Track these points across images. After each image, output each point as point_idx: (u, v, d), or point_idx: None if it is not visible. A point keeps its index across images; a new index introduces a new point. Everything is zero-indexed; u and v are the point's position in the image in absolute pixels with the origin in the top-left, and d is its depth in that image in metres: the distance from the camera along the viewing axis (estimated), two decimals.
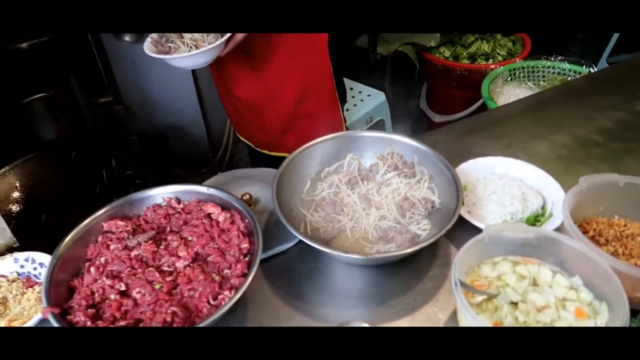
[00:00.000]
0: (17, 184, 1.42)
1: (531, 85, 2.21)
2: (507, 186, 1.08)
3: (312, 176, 1.14)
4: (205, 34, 1.18)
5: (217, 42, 1.11)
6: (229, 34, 1.15)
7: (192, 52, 1.11)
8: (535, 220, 1.04)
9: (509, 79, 2.23)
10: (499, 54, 2.54)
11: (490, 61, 2.49)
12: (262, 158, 1.70)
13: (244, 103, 1.55)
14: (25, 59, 1.76)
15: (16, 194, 1.41)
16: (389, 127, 2.30)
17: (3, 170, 1.40)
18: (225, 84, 1.57)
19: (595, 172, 1.07)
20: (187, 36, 1.18)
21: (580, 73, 2.18)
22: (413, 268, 1.00)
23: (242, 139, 1.78)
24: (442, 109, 2.56)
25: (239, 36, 1.18)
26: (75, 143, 1.65)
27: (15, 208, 1.40)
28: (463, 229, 1.01)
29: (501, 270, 0.91)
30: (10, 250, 1.02)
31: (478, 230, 0.97)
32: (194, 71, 2.29)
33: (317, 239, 1.03)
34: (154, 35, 1.21)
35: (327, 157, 1.16)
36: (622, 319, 0.75)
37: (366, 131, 1.17)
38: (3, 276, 0.97)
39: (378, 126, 2.24)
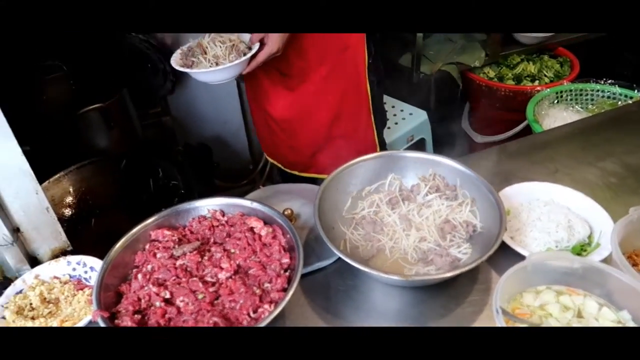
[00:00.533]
0: (71, 189, 1.50)
1: (579, 108, 2.16)
2: (553, 213, 1.06)
3: (354, 194, 1.15)
4: (227, 52, 1.23)
5: (238, 61, 1.17)
6: (251, 53, 1.21)
7: (212, 68, 1.18)
8: (581, 249, 1.02)
9: (556, 101, 2.18)
10: (545, 75, 2.49)
11: (536, 83, 2.44)
12: (292, 179, 1.72)
13: (277, 122, 1.58)
14: (84, 72, 1.87)
15: (69, 199, 1.49)
16: (430, 146, 2.29)
17: (58, 175, 1.48)
18: (260, 102, 1.60)
19: None
20: (210, 52, 1.23)
21: (632, 97, 2.11)
22: (452, 292, 0.99)
23: (271, 160, 1.80)
24: (484, 130, 2.53)
25: (261, 56, 1.23)
26: (126, 152, 1.73)
27: (67, 212, 1.47)
28: (505, 255, 1.00)
29: (544, 300, 0.89)
30: (63, 253, 1.07)
31: (521, 257, 0.96)
32: (238, 85, 2.35)
33: (356, 257, 1.04)
34: (183, 47, 1.27)
35: (369, 176, 1.16)
36: None
37: (409, 152, 1.18)
38: (57, 278, 1.02)
39: (419, 145, 2.24)
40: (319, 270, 1.06)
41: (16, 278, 1.00)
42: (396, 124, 2.19)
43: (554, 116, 2.08)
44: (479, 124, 2.58)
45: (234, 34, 1.28)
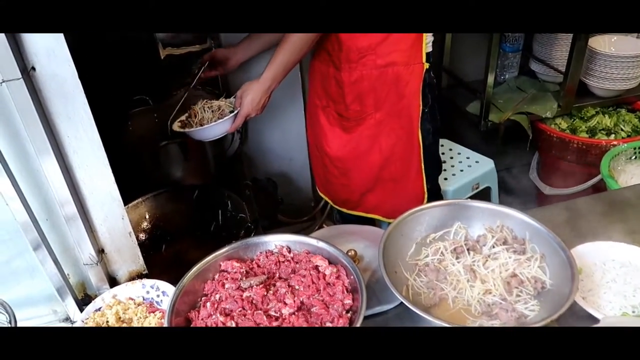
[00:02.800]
0: (147, 215, 1.59)
1: None
2: (630, 276, 1.01)
3: (418, 240, 1.15)
4: (213, 115, 1.50)
5: (214, 123, 1.41)
6: (229, 116, 1.44)
7: (195, 128, 1.44)
8: None
9: (634, 157, 2.09)
10: (622, 129, 2.40)
11: (612, 137, 2.35)
12: (348, 216, 1.81)
13: (333, 160, 1.67)
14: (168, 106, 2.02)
15: (145, 224, 1.58)
16: (496, 195, 2.24)
17: (137, 201, 1.59)
18: (318, 140, 1.71)
19: None
20: (199, 116, 1.50)
21: None
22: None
23: (323, 195, 1.90)
24: (554, 182, 2.45)
25: (239, 119, 1.46)
26: (199, 183, 1.83)
27: (142, 237, 1.56)
28: (576, 316, 0.96)
29: None
30: (139, 276, 1.14)
31: (593, 320, 0.92)
32: (306, 121, 2.44)
33: (418, 304, 1.03)
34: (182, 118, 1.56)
35: (434, 223, 1.17)
36: None
37: (476, 201, 1.17)
38: (131, 299, 1.08)
39: (484, 194, 2.20)
40: (379, 314, 1.07)
41: (96, 296, 1.08)
42: (462, 171, 2.17)
43: (632, 172, 1.99)
44: (548, 175, 2.50)
45: (221, 100, 1.55)
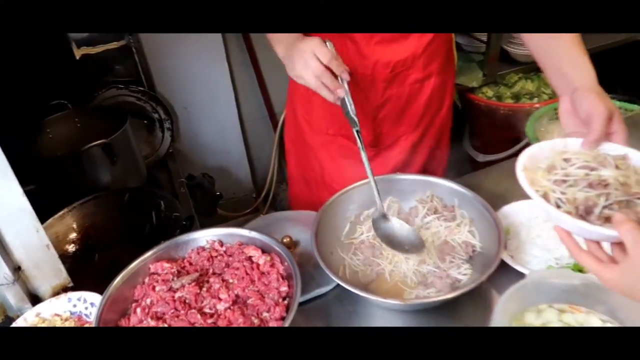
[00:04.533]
0: (74, 225, 1.51)
1: None
2: (553, 230, 1.05)
3: (352, 219, 1.15)
4: None
5: None
6: None
7: None
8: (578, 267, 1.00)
9: (555, 118, 2.18)
10: (544, 92, 2.50)
11: (535, 100, 2.45)
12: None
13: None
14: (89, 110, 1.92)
15: (73, 235, 1.50)
16: None
17: (62, 212, 1.50)
18: (318, 175, 1.43)
19: None
20: None
21: (631, 110, 2.11)
22: (453, 314, 0.98)
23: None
24: (486, 149, 2.53)
25: None
26: (129, 186, 1.75)
27: (71, 248, 1.48)
28: (506, 274, 0.99)
29: (546, 319, 0.87)
30: (64, 289, 1.07)
31: (521, 276, 0.95)
32: (240, 113, 2.39)
33: (356, 282, 1.04)
34: None
35: (367, 200, 1.17)
36: None
37: (405, 174, 1.18)
38: (57, 315, 1.02)
39: None
40: (319, 297, 1.06)
41: (18, 317, 1.01)
42: None
43: (554, 132, 2.08)
44: (480, 143, 2.58)
45: None
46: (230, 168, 2.47)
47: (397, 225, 1.04)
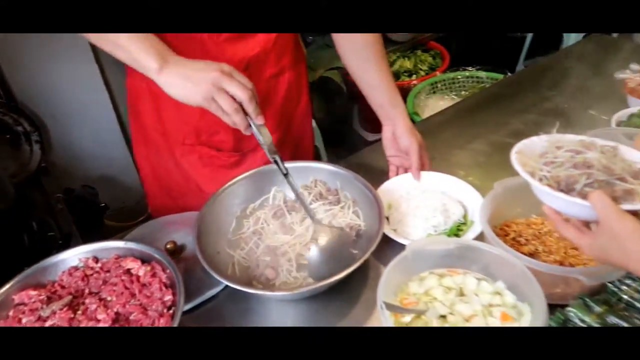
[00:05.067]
0: None
1: (453, 96, 2.30)
2: (429, 200, 1.10)
3: (238, 214, 1.12)
4: None
5: None
6: None
7: None
8: (457, 229, 1.06)
9: (432, 92, 2.31)
10: (421, 69, 2.63)
11: (413, 77, 2.57)
12: None
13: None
14: None
15: None
16: (324, 152, 2.32)
17: None
18: (182, 187, 1.33)
19: (512, 175, 1.11)
20: None
21: (496, 79, 2.29)
22: (345, 295, 0.99)
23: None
24: (374, 128, 2.61)
25: None
26: None
27: None
28: (392, 249, 1.02)
29: (428, 285, 0.91)
30: None
31: (404, 248, 0.98)
32: (118, 115, 2.24)
33: (247, 278, 1.01)
34: None
35: (251, 194, 1.14)
36: (542, 318, 0.77)
37: (286, 162, 1.17)
38: None
39: (314, 153, 2.26)
40: (212, 298, 1.02)
41: None
42: None
43: (432, 106, 2.20)
44: (368, 123, 2.66)
45: None
46: (116, 176, 2.32)
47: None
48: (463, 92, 2.33)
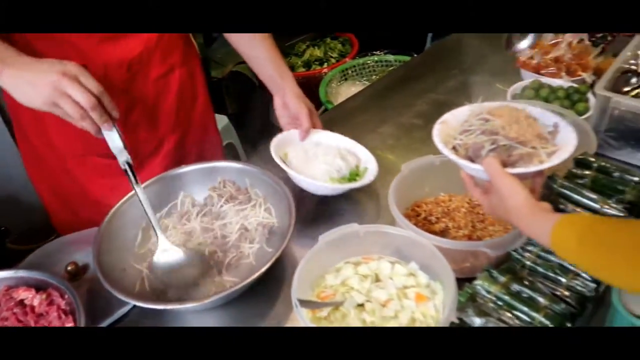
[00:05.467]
0: None
1: (365, 81, 2.32)
2: (327, 149, 1.14)
3: (143, 225, 1.05)
4: None
5: None
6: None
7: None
8: (355, 175, 1.12)
9: (343, 79, 2.32)
10: (331, 57, 2.64)
11: (324, 65, 2.57)
12: None
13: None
14: None
15: None
16: (240, 149, 2.27)
17: None
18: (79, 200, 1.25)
19: (419, 156, 1.13)
20: None
21: (405, 61, 2.33)
22: (264, 297, 0.96)
23: None
24: None
25: None
26: None
27: None
28: (310, 241, 0.99)
29: (345, 275, 0.91)
30: None
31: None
32: (12, 135, 2.05)
33: (160, 291, 0.96)
34: None
35: (157, 201, 1.08)
36: (452, 295, 0.78)
37: (190, 165, 1.12)
38: None
39: (229, 150, 2.20)
40: (124, 317, 0.96)
41: None
42: None
43: (344, 93, 2.21)
44: None
45: None
46: (16, 196, 2.13)
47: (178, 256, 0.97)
48: (374, 77, 2.36)
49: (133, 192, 1.03)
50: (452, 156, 0.80)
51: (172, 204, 1.10)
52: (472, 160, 0.79)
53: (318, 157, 1.10)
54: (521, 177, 0.75)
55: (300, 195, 1.16)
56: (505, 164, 0.76)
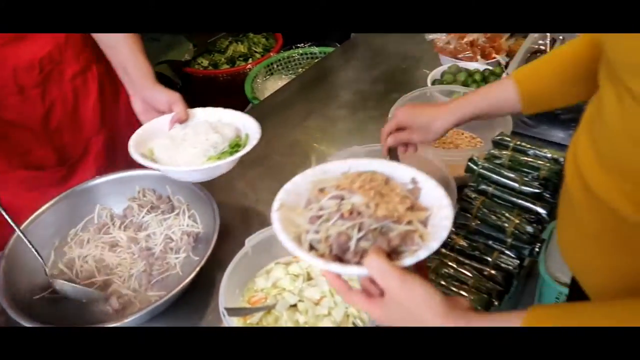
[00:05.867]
0: None
1: (291, 75, 2.29)
2: (196, 128, 0.99)
3: (56, 245, 0.97)
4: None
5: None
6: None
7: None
8: (236, 145, 0.97)
9: (270, 73, 2.28)
10: (255, 52, 2.58)
11: (250, 61, 2.51)
12: None
13: None
14: None
15: None
16: None
17: None
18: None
19: (346, 146, 1.12)
20: None
21: (325, 52, 2.32)
22: (194, 307, 0.92)
23: None
24: None
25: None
26: None
27: None
28: (233, 247, 0.96)
29: (275, 277, 0.88)
30: None
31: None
32: None
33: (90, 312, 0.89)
34: None
35: (70, 217, 1.00)
36: None
37: (103, 177, 1.04)
38: None
39: None
40: None
41: None
42: None
43: (270, 88, 2.16)
44: None
45: None
46: None
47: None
48: (300, 70, 2.32)
49: (37, 212, 0.97)
50: (317, 261, 0.56)
51: (89, 218, 1.02)
52: (340, 258, 0.57)
53: (188, 139, 0.95)
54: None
55: (226, 199, 1.12)
56: (387, 254, 0.55)
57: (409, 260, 0.54)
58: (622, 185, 0.53)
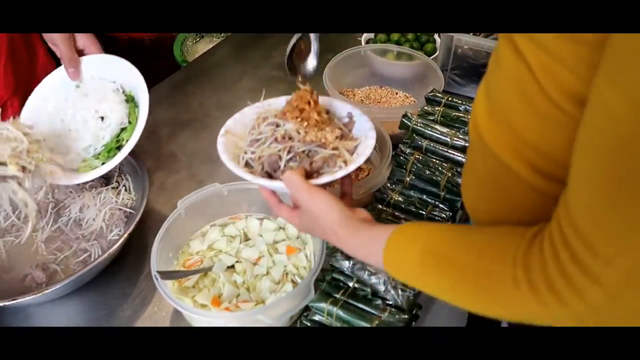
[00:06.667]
0: None
1: (222, 37, 2.21)
2: (78, 111, 0.91)
3: None
4: None
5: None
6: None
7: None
8: (117, 140, 0.90)
9: (201, 36, 2.18)
10: None
11: None
12: None
13: None
14: None
15: None
16: None
17: None
18: None
19: None
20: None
21: None
22: (127, 274, 0.88)
23: None
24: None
25: None
26: None
27: None
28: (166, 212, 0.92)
29: (211, 239, 0.86)
30: None
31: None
32: None
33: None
34: None
35: None
36: (320, 242, 0.77)
37: None
38: None
39: None
40: None
41: None
42: None
43: (201, 51, 2.06)
44: None
45: None
46: None
47: None
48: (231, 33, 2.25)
49: None
50: (247, 175, 0.64)
51: None
52: (270, 175, 0.66)
53: (71, 132, 0.89)
54: (330, 184, 0.65)
55: (157, 163, 1.08)
56: (309, 173, 0.64)
57: (325, 178, 0.62)
58: (508, 137, 0.53)
